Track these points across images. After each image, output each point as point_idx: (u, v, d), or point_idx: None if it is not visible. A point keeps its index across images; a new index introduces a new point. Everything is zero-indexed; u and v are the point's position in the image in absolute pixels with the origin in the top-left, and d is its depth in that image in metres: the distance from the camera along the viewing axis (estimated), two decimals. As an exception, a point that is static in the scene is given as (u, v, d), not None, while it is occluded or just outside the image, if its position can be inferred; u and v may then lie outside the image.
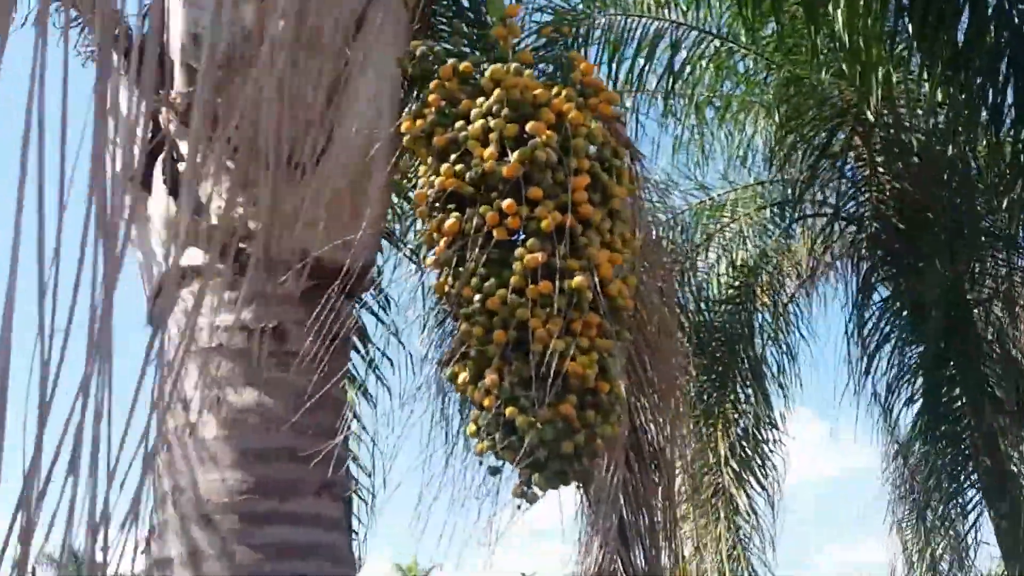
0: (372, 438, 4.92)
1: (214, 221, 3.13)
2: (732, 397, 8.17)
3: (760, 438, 8.21)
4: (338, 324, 3.05)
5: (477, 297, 2.65)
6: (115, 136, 3.46)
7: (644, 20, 7.06)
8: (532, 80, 2.82)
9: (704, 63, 7.69)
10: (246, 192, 3.18)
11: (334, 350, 3.06)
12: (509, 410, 2.52)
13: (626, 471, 3.51)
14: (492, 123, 2.76)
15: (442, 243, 2.80)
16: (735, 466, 7.93)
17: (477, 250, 2.66)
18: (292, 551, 2.75)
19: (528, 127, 2.70)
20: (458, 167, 2.79)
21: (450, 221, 2.73)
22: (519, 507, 2.61)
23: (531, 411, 2.48)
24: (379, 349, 4.79)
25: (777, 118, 7.65)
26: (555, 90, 2.86)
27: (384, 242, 4.65)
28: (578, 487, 2.67)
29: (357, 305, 3.37)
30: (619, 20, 6.95)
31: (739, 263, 8.55)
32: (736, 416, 8.18)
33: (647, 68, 7.32)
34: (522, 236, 2.67)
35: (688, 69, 7.61)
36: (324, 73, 3.31)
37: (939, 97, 6.35)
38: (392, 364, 4.87)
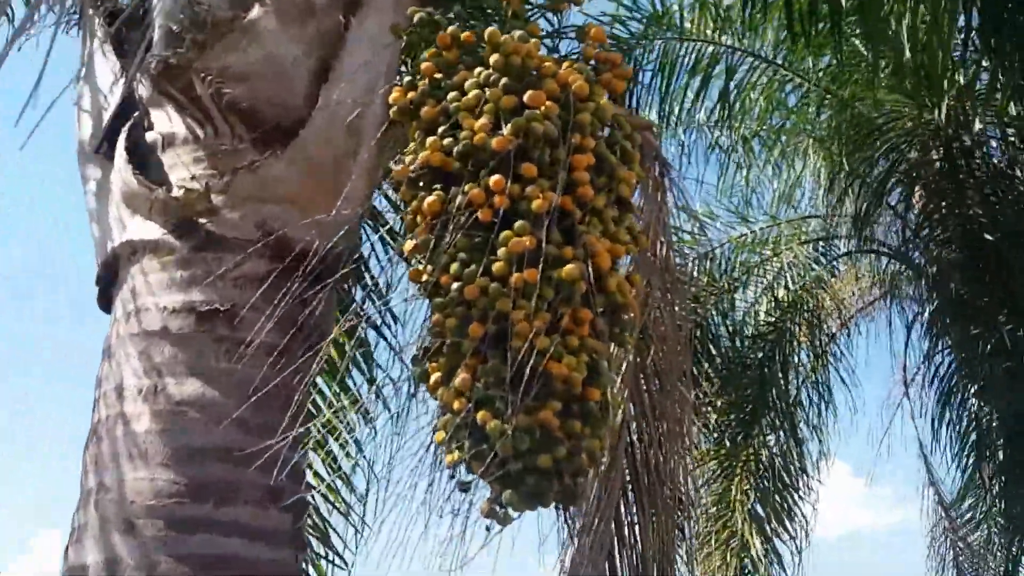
0: (359, 448, 4.49)
1: (175, 193, 2.83)
2: (759, 438, 7.72)
3: (787, 483, 7.72)
4: (304, 313, 2.70)
5: (455, 285, 2.30)
6: (80, 101, 3.18)
7: (699, 44, 6.82)
8: (536, 49, 2.49)
9: (755, 94, 7.43)
10: (214, 163, 2.87)
11: (298, 342, 2.72)
12: (480, 414, 2.15)
13: (621, 503, 3.12)
14: (488, 93, 2.43)
15: (422, 225, 2.46)
16: (755, 509, 7.44)
17: (459, 233, 2.31)
18: (224, 565, 2.38)
19: (526, 97, 2.36)
20: (446, 141, 2.45)
21: (430, 199, 2.39)
22: (489, 529, 2.22)
23: (505, 416, 2.10)
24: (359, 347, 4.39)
25: (834, 150, 7.33)
26: (564, 65, 2.54)
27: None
28: (559, 509, 2.28)
29: (334, 294, 3.01)
30: (674, 44, 6.72)
31: (779, 298, 8.16)
32: (762, 458, 7.70)
33: (702, 94, 7.05)
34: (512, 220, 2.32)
35: (738, 102, 7.35)
36: (314, 39, 3.02)
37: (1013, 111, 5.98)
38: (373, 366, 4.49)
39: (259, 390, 2.55)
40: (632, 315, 2.35)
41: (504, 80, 2.42)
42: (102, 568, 2.37)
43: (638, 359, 3.20)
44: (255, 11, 2.99)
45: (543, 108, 2.34)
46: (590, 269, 2.25)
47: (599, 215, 2.36)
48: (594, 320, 2.23)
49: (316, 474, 4.66)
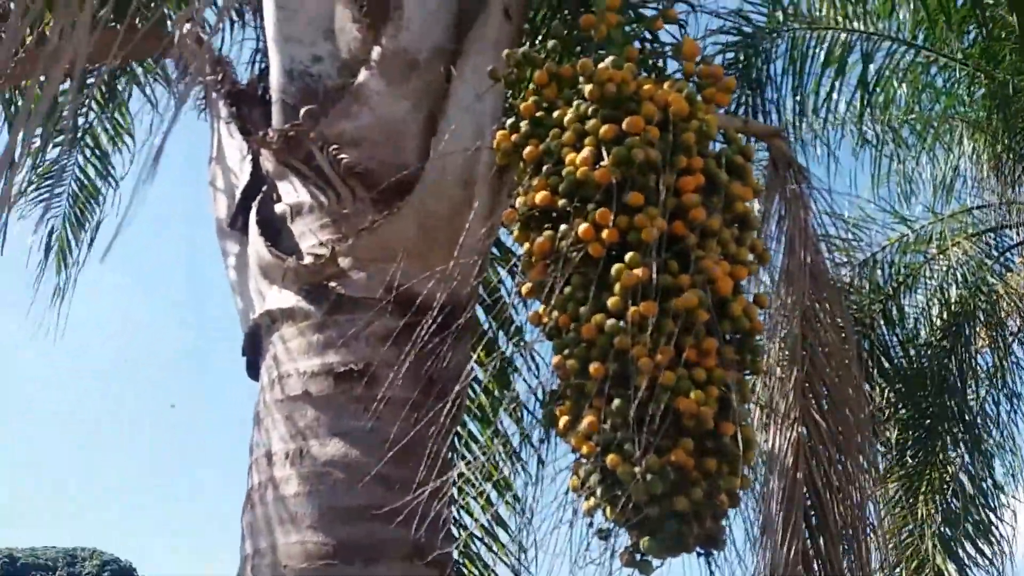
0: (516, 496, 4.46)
1: (306, 260, 2.93)
2: (942, 455, 7.06)
3: (978, 502, 7.01)
4: (434, 365, 2.73)
5: (573, 326, 2.25)
6: (214, 181, 3.36)
7: (831, 32, 6.40)
8: (631, 74, 2.42)
9: (898, 79, 6.87)
10: (338, 227, 2.96)
11: (430, 394, 2.74)
12: (610, 458, 2.08)
13: (806, 538, 2.91)
14: (588, 125, 2.38)
15: (536, 267, 2.43)
16: (945, 532, 6.81)
17: (571, 271, 2.27)
18: (377, 624, 2.41)
19: (624, 124, 2.30)
20: (551, 179, 2.42)
21: (540, 239, 2.36)
22: (632, 578, 2.14)
23: (635, 458, 2.03)
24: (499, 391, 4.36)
25: (990, 131, 6.70)
26: (665, 85, 2.46)
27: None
28: (702, 555, 2.16)
29: (466, 343, 3.03)
30: (804, 34, 6.33)
31: (951, 300, 7.45)
32: (947, 476, 7.04)
33: (835, 87, 6.62)
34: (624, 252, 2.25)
35: (880, 90, 6.82)
36: (420, 94, 3.07)
37: None
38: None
39: (398, 445, 2.59)
40: (762, 340, 2.22)
41: (602, 109, 2.36)
42: (262, 633, 2.46)
43: (805, 380, 3.00)
44: (362, 75, 3.07)
45: (643, 133, 2.27)
46: (710, 296, 2.14)
47: (716, 237, 2.25)
48: (720, 349, 2.13)
49: (480, 524, 4.66)
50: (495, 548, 4.49)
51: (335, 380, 2.73)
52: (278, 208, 3.16)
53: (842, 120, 7.02)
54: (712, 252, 2.21)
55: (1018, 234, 7.56)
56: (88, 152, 5.44)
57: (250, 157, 3.32)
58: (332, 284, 2.88)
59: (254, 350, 3.07)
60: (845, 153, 7.34)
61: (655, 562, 2.08)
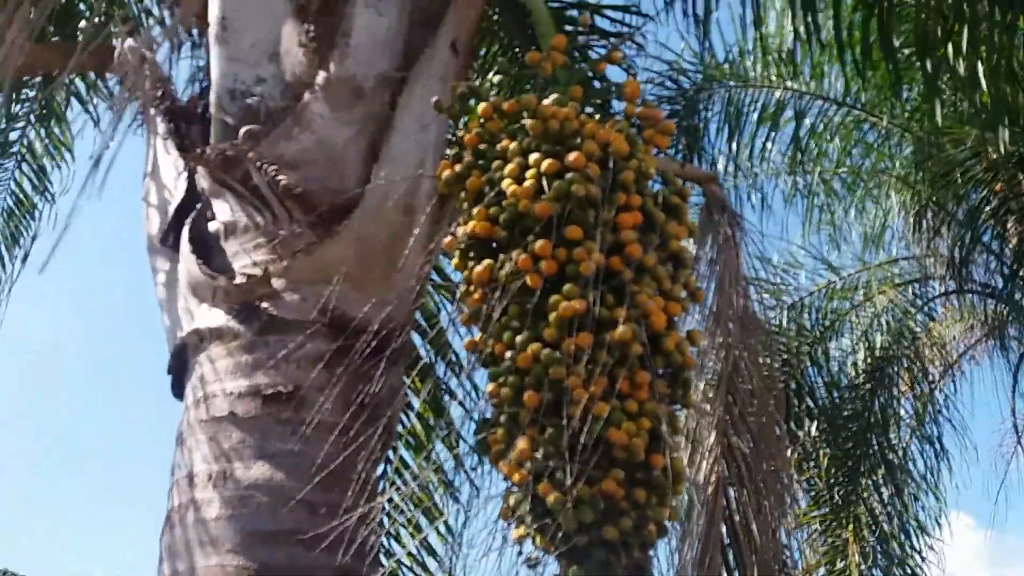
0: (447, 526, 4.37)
1: (238, 280, 2.89)
2: (865, 494, 7.22)
3: (900, 542, 7.15)
4: (366, 390, 2.71)
5: (508, 354, 2.28)
6: (147, 196, 3.30)
7: (765, 91, 6.67)
8: (575, 112, 2.49)
9: (829, 135, 7.19)
10: (273, 248, 2.94)
11: (360, 418, 2.72)
12: (541, 486, 2.10)
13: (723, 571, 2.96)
14: (530, 159, 2.43)
15: (475, 295, 2.45)
16: (869, 570, 6.94)
17: (509, 300, 2.30)
18: (297, 653, 2.36)
19: (567, 160, 2.35)
20: (491, 210, 2.46)
21: (479, 268, 2.39)
22: (559, 606, 2.14)
23: (566, 487, 2.05)
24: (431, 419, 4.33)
25: (917, 187, 7.00)
26: (607, 125, 2.53)
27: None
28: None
29: (399, 370, 3.02)
30: (738, 93, 6.58)
31: (874, 346, 7.72)
32: (871, 517, 7.19)
33: (770, 139, 6.88)
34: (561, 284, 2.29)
35: (813, 143, 7.11)
36: (364, 121, 3.09)
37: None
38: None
39: (324, 469, 2.56)
40: (692, 375, 2.28)
41: (544, 145, 2.42)
42: (177, 660, 2.38)
43: (728, 418, 3.06)
44: (306, 98, 3.08)
45: (584, 169, 2.33)
46: (644, 330, 2.20)
47: (652, 273, 2.31)
48: (653, 383, 2.17)
49: (409, 553, 4.61)
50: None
51: (263, 402, 2.69)
52: (212, 226, 3.12)
53: (776, 170, 7.29)
54: (647, 287, 2.27)
55: (942, 285, 7.88)
56: (25, 167, 5.30)
57: (186, 174, 3.28)
58: (264, 305, 2.85)
59: (180, 368, 3.01)
60: (778, 201, 7.63)
61: (582, 591, 2.09)
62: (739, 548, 2.99)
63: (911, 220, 7.55)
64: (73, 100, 5.07)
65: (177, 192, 3.29)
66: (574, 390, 2.11)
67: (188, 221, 3.15)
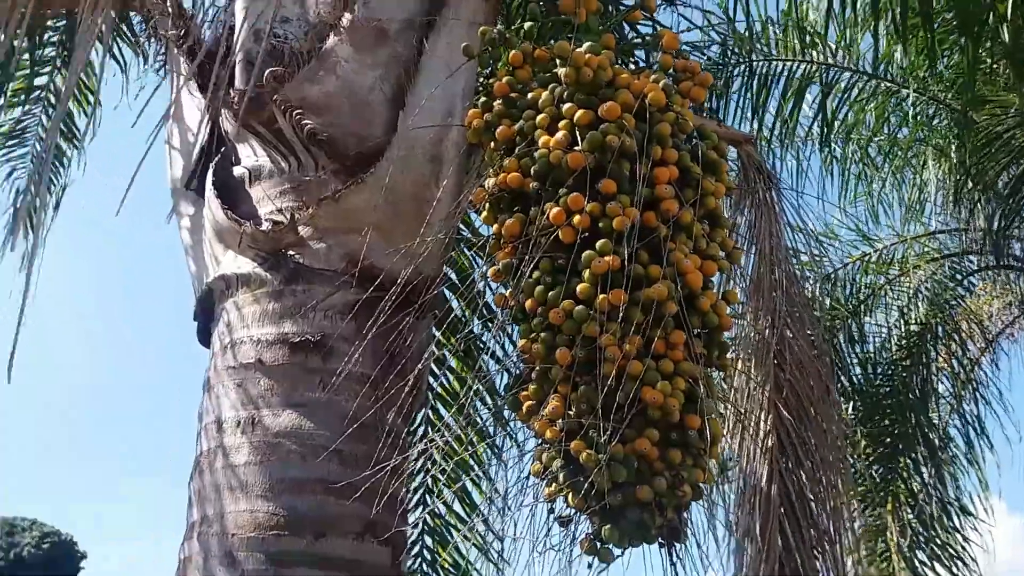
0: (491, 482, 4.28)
1: (264, 226, 2.86)
2: (904, 474, 7.08)
3: (943, 524, 7.02)
4: (396, 342, 2.70)
5: (540, 310, 2.26)
6: (170, 139, 3.26)
7: (790, 63, 6.44)
8: (609, 61, 2.42)
9: (861, 104, 6.96)
10: (299, 195, 2.90)
11: (390, 371, 2.72)
12: (574, 443, 2.10)
13: (782, 551, 2.86)
14: (563, 109, 2.37)
15: (504, 249, 2.42)
16: (910, 554, 6.83)
17: (540, 255, 2.26)
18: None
19: (601, 110, 2.30)
20: (523, 161, 2.41)
21: (510, 222, 2.35)
22: (590, 567, 2.15)
23: (599, 446, 2.04)
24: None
25: (954, 158, 6.78)
26: (643, 76, 2.46)
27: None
28: (663, 547, 2.18)
29: (429, 322, 3.00)
30: (761, 65, 6.34)
31: (912, 322, 7.55)
32: (909, 496, 7.06)
33: (799, 108, 6.69)
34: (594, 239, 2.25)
35: (845, 112, 6.88)
36: (390, 65, 3.01)
37: None
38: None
39: (355, 420, 2.56)
40: (730, 336, 2.26)
41: (578, 94, 2.36)
42: (206, 604, 2.42)
43: (776, 388, 2.94)
44: (330, 40, 3.00)
45: (619, 120, 2.27)
46: (680, 288, 2.17)
47: (687, 231, 2.27)
48: (688, 342, 2.15)
49: (451, 509, 4.63)
50: (469, 536, 4.44)
51: (290, 350, 2.68)
52: (236, 171, 3.07)
53: (812, 136, 7.07)
54: (683, 245, 2.23)
55: (980, 260, 7.70)
56: (51, 112, 5.19)
57: (209, 117, 3.22)
58: (291, 253, 2.82)
59: (206, 315, 3.00)
60: (813, 171, 7.36)
61: (615, 551, 2.10)
62: (796, 520, 2.90)
63: (949, 192, 7.33)
64: (97, 44, 4.97)
65: (201, 135, 3.24)
66: (608, 348, 2.09)
67: (212, 165, 3.10)
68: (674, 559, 2.13)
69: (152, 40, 3.95)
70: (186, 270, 3.14)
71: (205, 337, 3.04)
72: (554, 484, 2.14)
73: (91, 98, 5.07)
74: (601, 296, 2.12)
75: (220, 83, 3.17)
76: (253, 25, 3.12)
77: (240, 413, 2.66)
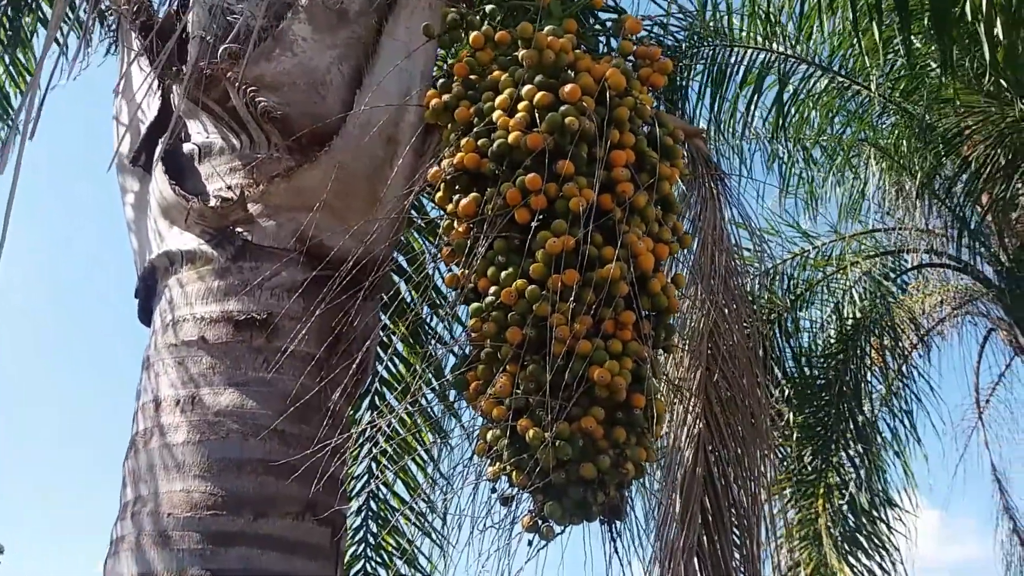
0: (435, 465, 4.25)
1: (212, 203, 2.80)
2: (837, 462, 7.21)
3: (870, 514, 7.16)
4: (343, 322, 2.65)
5: (492, 289, 2.23)
6: (119, 115, 3.18)
7: (750, 52, 6.56)
8: (571, 45, 2.42)
9: (812, 102, 7.12)
10: (250, 172, 2.84)
11: (336, 351, 2.67)
12: (521, 421, 2.08)
13: (701, 531, 2.87)
14: (523, 91, 2.36)
15: (459, 229, 2.39)
16: (841, 542, 6.93)
17: (495, 235, 2.24)
18: (261, 581, 2.32)
19: (561, 92, 2.29)
20: (480, 142, 2.39)
21: (465, 201, 2.33)
22: (531, 544, 2.13)
23: (546, 424, 2.02)
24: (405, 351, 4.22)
25: (896, 158, 6.96)
26: (603, 61, 2.46)
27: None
28: (605, 524, 2.17)
29: (377, 304, 2.95)
30: (723, 52, 6.45)
31: (847, 317, 7.72)
32: (842, 486, 7.18)
33: (754, 103, 6.80)
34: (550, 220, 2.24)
35: (794, 109, 7.03)
36: (348, 46, 2.98)
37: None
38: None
39: (298, 400, 2.51)
40: (679, 317, 2.26)
41: (538, 76, 2.35)
42: (139, 583, 2.33)
43: (708, 375, 2.96)
44: (288, 19, 2.96)
45: (579, 103, 2.27)
46: (632, 270, 2.16)
47: (641, 214, 2.28)
48: (638, 323, 2.15)
49: (394, 493, 4.58)
50: (399, 508, 4.41)
51: (235, 328, 2.62)
52: (186, 147, 3.01)
53: (756, 134, 7.20)
54: (637, 228, 2.23)
55: (915, 259, 7.91)
56: None
57: (160, 93, 3.15)
58: (239, 229, 2.76)
59: (148, 293, 2.92)
60: (756, 166, 7.53)
61: (556, 528, 2.08)
62: (719, 505, 2.93)
63: (892, 193, 7.54)
64: (40, 27, 4.84)
65: (150, 111, 3.17)
66: (558, 327, 2.07)
67: (161, 141, 3.03)
68: (614, 535, 2.11)
69: (100, 19, 3.86)
70: (128, 247, 3.07)
71: (146, 315, 2.96)
72: (498, 463, 2.12)
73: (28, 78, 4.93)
74: (554, 275, 2.11)
75: (172, 59, 3.11)
76: (209, 2, 3.07)
77: (180, 392, 2.59)
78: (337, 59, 2.96)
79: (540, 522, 2.08)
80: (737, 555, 2.71)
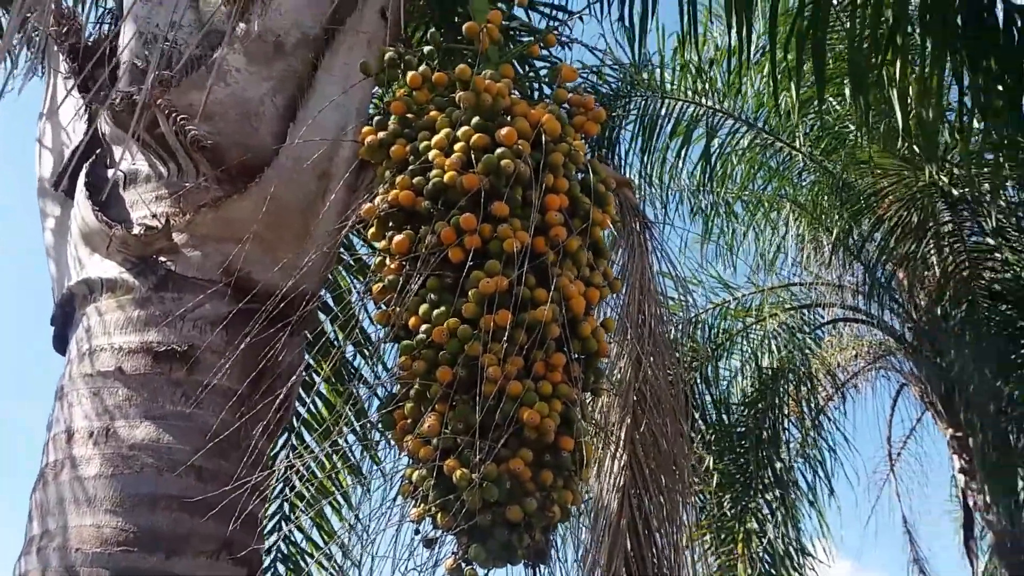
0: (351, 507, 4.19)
1: (135, 230, 2.74)
2: (755, 508, 7.31)
3: (785, 562, 7.26)
4: (267, 357, 2.60)
5: (424, 327, 2.23)
6: (42, 138, 3.09)
7: (680, 104, 6.76)
8: (508, 89, 2.45)
9: (736, 157, 7.38)
10: (177, 201, 2.79)
11: (258, 387, 2.61)
12: (448, 462, 2.06)
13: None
14: (459, 132, 2.39)
15: (391, 266, 2.38)
16: None
17: (428, 273, 2.24)
18: (173, 622, 2.24)
19: (498, 135, 2.32)
20: (416, 179, 2.40)
21: (399, 238, 2.33)
22: (453, 587, 2.10)
23: (474, 465, 2.01)
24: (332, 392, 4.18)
25: (815, 215, 7.23)
26: (539, 107, 2.50)
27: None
28: (528, 566, 2.16)
29: (302, 340, 2.91)
30: (654, 103, 6.62)
31: (765, 367, 7.89)
32: (760, 533, 7.28)
33: (683, 154, 7.00)
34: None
35: (719, 163, 7.27)
36: (283, 78, 2.97)
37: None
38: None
39: (217, 436, 2.45)
40: (606, 362, 2.29)
41: (475, 118, 2.37)
42: (41, 625, 2.23)
43: (634, 424, 3.00)
44: (223, 49, 2.93)
45: (515, 146, 2.30)
46: (564, 313, 2.18)
47: (574, 258, 2.30)
48: (568, 366, 2.16)
49: (308, 537, 4.48)
50: (314, 553, 4.31)
51: (154, 360, 2.54)
52: (111, 174, 2.94)
53: (681, 187, 7.41)
54: (569, 271, 2.26)
55: (829, 313, 8.18)
56: None
57: (86, 117, 3.08)
58: (162, 259, 2.70)
59: (64, 320, 2.82)
60: (678, 218, 7.75)
61: (480, 572, 2.06)
62: (642, 554, 2.93)
63: (806, 246, 7.83)
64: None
65: (75, 135, 3.09)
66: (489, 368, 2.08)
67: (85, 166, 2.95)
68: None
69: (28, 42, 3.77)
70: (47, 273, 2.96)
71: (61, 344, 2.86)
72: (423, 504, 2.09)
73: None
74: (486, 315, 2.11)
75: (102, 84, 3.05)
76: (142, 28, 3.03)
77: (94, 423, 2.50)
78: (271, 91, 2.94)
79: (464, 564, 2.06)
80: None
